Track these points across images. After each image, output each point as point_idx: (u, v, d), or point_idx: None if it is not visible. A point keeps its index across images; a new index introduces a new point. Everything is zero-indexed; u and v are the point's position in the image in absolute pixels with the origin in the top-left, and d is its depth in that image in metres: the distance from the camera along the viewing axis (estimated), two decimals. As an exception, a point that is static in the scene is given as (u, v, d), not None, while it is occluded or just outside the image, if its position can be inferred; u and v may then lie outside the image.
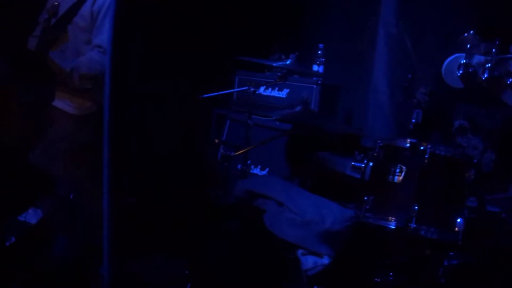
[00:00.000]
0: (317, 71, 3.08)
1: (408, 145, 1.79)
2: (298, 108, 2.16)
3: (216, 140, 3.25)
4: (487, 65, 1.07)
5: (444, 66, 1.11)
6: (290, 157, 2.89)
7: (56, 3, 2.31)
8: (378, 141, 1.89)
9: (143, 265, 2.37)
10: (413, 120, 1.82)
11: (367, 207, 1.82)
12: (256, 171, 3.18)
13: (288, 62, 2.43)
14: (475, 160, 1.77)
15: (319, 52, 3.09)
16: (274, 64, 2.49)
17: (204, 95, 2.72)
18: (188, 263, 1.92)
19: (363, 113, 3.29)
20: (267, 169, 3.18)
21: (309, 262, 1.68)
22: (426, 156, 1.76)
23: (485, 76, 1.08)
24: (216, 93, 2.78)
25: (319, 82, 3.03)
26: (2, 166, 1.32)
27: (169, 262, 2.12)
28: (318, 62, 3.09)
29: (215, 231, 1.98)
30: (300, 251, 1.71)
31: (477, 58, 1.09)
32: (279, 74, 2.71)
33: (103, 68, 2.37)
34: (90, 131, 2.45)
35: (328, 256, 1.71)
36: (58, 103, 2.27)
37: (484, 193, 1.89)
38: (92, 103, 2.45)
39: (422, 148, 1.77)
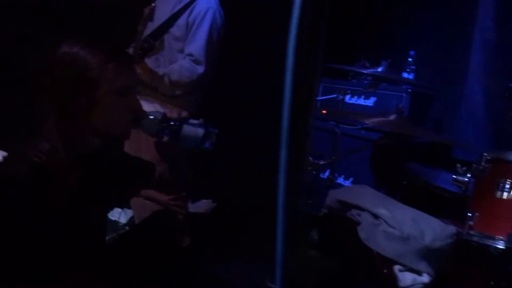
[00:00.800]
0: (407, 78, 2.97)
1: (520, 158, 1.66)
2: (392, 117, 2.07)
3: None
4: None
5: None
6: (377, 167, 2.79)
7: (153, 5, 2.41)
8: (485, 154, 1.76)
9: (227, 270, 2.39)
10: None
11: (471, 224, 1.70)
12: (340, 180, 3.11)
13: (380, 70, 2.35)
14: None
15: (410, 59, 2.97)
16: (367, 72, 2.42)
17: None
18: (275, 272, 1.89)
19: (455, 123, 3.12)
20: (351, 178, 3.10)
21: (407, 279, 1.60)
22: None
23: None
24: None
25: (409, 90, 2.91)
26: (101, 160, 1.37)
27: (255, 269, 2.12)
28: (408, 70, 2.97)
29: (305, 241, 1.94)
30: (397, 267, 1.63)
31: None
32: (366, 81, 2.63)
33: (192, 76, 2.45)
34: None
35: (427, 274, 1.61)
36: (148, 108, 2.36)
37: None
38: (181, 110, 2.52)
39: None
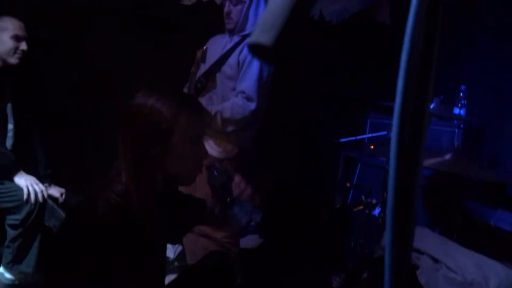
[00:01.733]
0: (459, 114, 2.92)
1: None
2: (447, 156, 2.04)
3: (348, 184, 3.21)
4: None
5: None
6: (431, 205, 2.73)
7: (205, 47, 2.51)
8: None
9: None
10: None
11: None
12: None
13: (432, 106, 2.34)
14: None
15: (461, 94, 2.93)
16: None
17: (341, 140, 2.72)
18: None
19: (510, 160, 3.03)
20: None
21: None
22: None
23: None
24: (354, 138, 2.75)
25: (462, 125, 2.86)
26: (164, 199, 1.43)
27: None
28: (459, 105, 2.93)
29: (356, 282, 1.92)
30: (460, 314, 1.58)
31: None
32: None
33: (244, 112, 2.51)
34: (232, 172, 2.57)
35: (492, 322, 1.56)
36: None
37: None
38: (234, 147, 2.58)
39: None
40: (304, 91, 3.44)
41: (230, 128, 2.53)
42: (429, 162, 2.02)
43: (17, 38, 2.50)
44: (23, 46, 2.51)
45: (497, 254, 1.91)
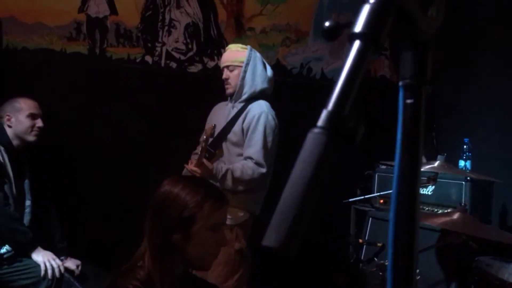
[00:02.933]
0: (464, 167, 2.95)
1: None
2: (456, 216, 2.06)
3: (360, 240, 3.21)
4: None
5: None
6: (444, 262, 2.72)
7: (213, 125, 2.60)
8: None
9: None
10: None
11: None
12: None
13: (436, 165, 2.38)
14: None
15: (465, 146, 2.97)
16: (424, 169, 2.44)
17: (350, 200, 2.76)
18: None
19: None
20: (418, 270, 3.02)
21: None
22: None
23: None
24: (362, 197, 2.79)
25: (469, 178, 2.88)
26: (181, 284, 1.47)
27: None
28: (464, 157, 2.97)
29: None
30: None
31: None
32: (425, 178, 2.64)
33: (254, 174, 2.56)
34: (245, 238, 2.60)
35: None
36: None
37: None
38: (245, 213, 2.62)
39: None
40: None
41: (240, 188, 2.55)
42: (438, 222, 2.04)
43: (33, 116, 2.64)
44: (39, 123, 2.65)
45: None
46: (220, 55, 3.48)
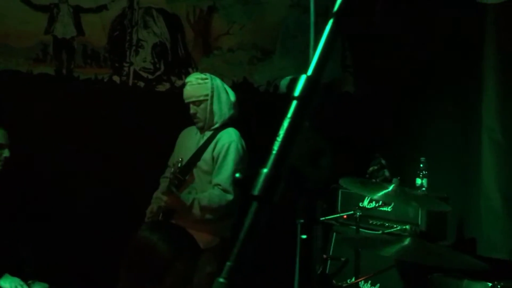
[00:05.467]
0: (421, 184, 3.10)
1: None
2: (407, 242, 2.18)
3: (325, 256, 3.33)
4: None
5: None
6: (406, 276, 2.86)
7: (181, 159, 2.65)
8: (496, 282, 1.86)
9: None
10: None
11: None
12: (367, 287, 3.17)
13: (390, 189, 2.51)
14: None
15: (421, 165, 3.12)
16: (375, 197, 2.56)
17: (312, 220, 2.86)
18: None
19: (477, 222, 3.19)
20: (378, 284, 3.16)
21: None
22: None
23: None
24: (324, 218, 2.90)
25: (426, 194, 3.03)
26: None
27: None
28: (421, 175, 3.11)
29: None
30: None
31: None
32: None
33: (221, 202, 2.63)
34: (214, 263, 2.67)
35: None
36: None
37: None
38: (214, 237, 2.69)
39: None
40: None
41: (208, 217, 2.63)
42: (391, 251, 2.15)
43: (0, 146, 2.67)
44: (6, 153, 2.67)
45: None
46: (187, 73, 3.55)
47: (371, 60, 3.87)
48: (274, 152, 0.55)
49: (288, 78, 0.63)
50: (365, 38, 3.88)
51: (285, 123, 0.57)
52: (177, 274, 1.43)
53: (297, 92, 0.59)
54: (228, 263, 0.53)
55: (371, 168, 3.67)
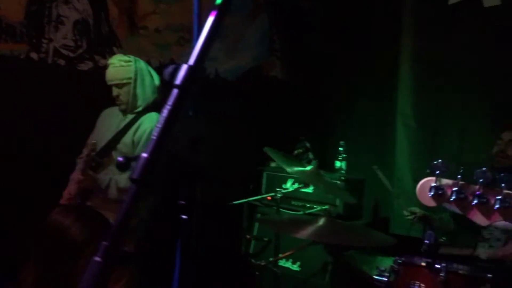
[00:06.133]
0: (340, 167, 3.25)
1: (424, 264, 1.90)
2: (321, 223, 2.28)
3: (248, 236, 3.42)
4: (453, 189, 1.23)
5: (417, 188, 1.27)
6: (324, 253, 3.02)
7: (94, 142, 2.58)
8: (397, 258, 2.01)
9: None
10: (427, 241, 1.93)
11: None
12: (288, 265, 3.31)
13: (307, 169, 2.60)
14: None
15: (340, 148, 3.27)
16: (291, 171, 2.63)
17: (236, 202, 2.91)
18: None
19: (391, 203, 3.40)
20: (299, 262, 3.30)
21: None
22: (442, 274, 1.86)
23: (453, 197, 1.24)
24: (247, 199, 2.97)
25: (342, 178, 3.19)
26: None
27: None
28: (340, 158, 3.26)
29: None
30: None
31: (445, 182, 1.24)
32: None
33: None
34: (131, 243, 2.66)
35: None
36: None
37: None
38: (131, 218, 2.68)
39: (438, 266, 1.88)
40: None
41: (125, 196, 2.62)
42: (306, 233, 2.24)
43: None
44: None
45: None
46: (112, 52, 3.44)
47: (298, 46, 3.96)
48: (154, 138, 0.57)
49: (172, 66, 0.65)
50: (292, 24, 3.96)
51: (165, 111, 0.59)
52: (91, 257, 1.43)
53: (177, 80, 0.61)
54: (104, 243, 0.55)
55: (296, 151, 3.79)
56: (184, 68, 0.63)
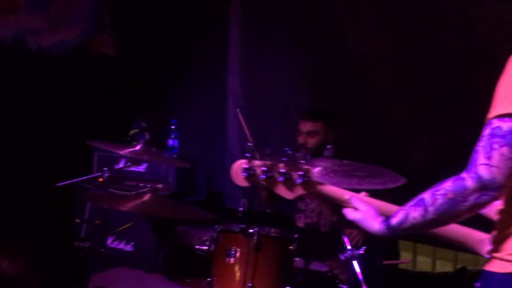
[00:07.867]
0: (173, 145, 3.27)
1: (238, 229, 2.03)
2: (146, 198, 2.27)
3: (78, 220, 3.25)
4: (262, 168, 1.33)
5: (231, 170, 1.35)
6: (156, 229, 3.03)
7: None
8: (216, 226, 2.10)
9: None
10: (241, 209, 2.05)
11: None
12: (121, 246, 3.24)
13: (138, 148, 2.56)
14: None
15: (173, 127, 3.28)
16: (123, 153, 2.58)
17: (60, 184, 2.73)
18: None
19: (223, 178, 3.52)
20: (132, 242, 3.26)
21: None
22: (255, 238, 2.00)
23: (263, 176, 1.34)
24: (73, 180, 2.81)
25: (175, 155, 3.22)
26: None
27: None
28: (173, 136, 3.28)
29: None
30: None
31: (256, 163, 1.34)
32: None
33: None
34: None
35: None
36: None
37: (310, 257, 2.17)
38: None
39: (251, 231, 2.01)
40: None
41: None
42: (129, 206, 2.22)
43: None
44: None
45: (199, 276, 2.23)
46: None
47: (131, 22, 3.84)
48: None
49: None
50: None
51: None
52: None
53: None
54: None
55: (132, 131, 3.70)
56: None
